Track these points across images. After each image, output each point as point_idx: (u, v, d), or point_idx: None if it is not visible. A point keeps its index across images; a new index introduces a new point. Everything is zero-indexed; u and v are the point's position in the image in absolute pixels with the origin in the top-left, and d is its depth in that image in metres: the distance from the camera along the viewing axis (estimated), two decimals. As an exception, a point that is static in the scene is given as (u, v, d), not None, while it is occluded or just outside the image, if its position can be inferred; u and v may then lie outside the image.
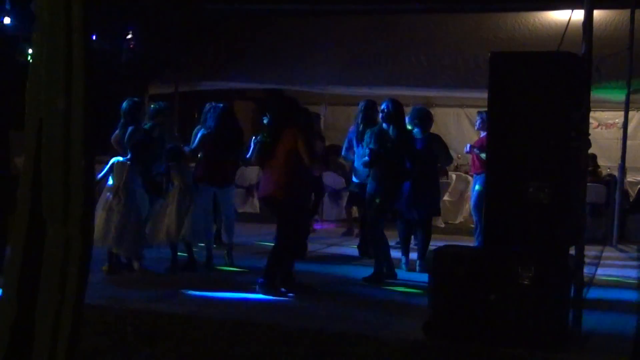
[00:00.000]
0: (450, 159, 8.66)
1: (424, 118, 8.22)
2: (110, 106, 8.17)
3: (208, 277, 7.53)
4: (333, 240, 10.34)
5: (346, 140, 8.90)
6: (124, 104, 8.06)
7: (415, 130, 8.12)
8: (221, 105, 8.33)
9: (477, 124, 9.21)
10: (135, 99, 8.30)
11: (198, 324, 5.70)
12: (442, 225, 11.27)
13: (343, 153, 9.02)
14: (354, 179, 8.77)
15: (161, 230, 7.64)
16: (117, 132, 8.11)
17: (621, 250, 9.86)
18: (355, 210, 10.99)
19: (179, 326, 5.63)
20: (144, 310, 6.06)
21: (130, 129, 7.90)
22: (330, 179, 11.82)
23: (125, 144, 7.79)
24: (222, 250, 8.32)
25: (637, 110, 12.86)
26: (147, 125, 8.24)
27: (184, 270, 7.69)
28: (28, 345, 3.00)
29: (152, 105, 8.80)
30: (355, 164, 8.57)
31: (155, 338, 5.28)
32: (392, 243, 9.27)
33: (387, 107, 7.58)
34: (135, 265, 7.53)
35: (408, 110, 8.31)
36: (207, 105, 8.57)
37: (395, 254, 8.06)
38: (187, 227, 7.63)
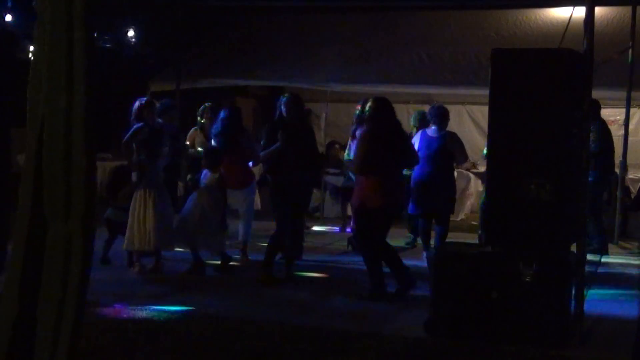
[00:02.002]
0: (465, 157, 8.66)
1: (440, 116, 8.25)
2: (112, 103, 8.16)
3: (209, 275, 7.54)
4: (331, 238, 10.33)
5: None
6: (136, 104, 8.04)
7: (433, 128, 8.18)
8: (228, 109, 8.38)
9: None
10: (144, 98, 8.25)
11: (199, 321, 5.71)
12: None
13: (348, 157, 9.05)
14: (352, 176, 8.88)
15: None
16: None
17: (622, 247, 9.85)
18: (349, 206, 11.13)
19: (181, 323, 5.64)
20: (145, 307, 6.07)
21: (136, 126, 7.84)
22: (331, 176, 11.81)
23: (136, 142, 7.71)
24: None
25: (639, 108, 12.83)
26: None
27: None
28: (30, 342, 3.00)
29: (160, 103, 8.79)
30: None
31: (157, 335, 5.29)
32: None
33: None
34: (159, 265, 7.54)
35: (416, 108, 8.34)
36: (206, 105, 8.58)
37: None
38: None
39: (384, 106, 6.79)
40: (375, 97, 6.98)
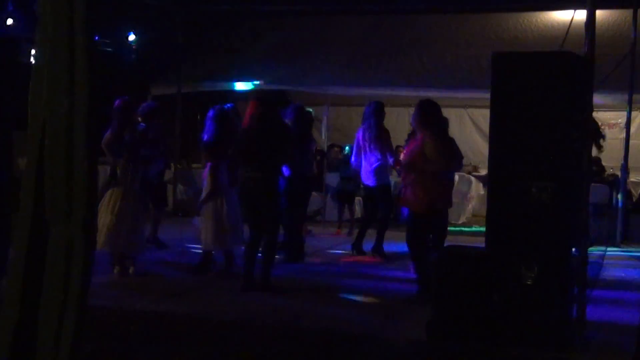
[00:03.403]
0: (460, 164, 8.64)
1: None
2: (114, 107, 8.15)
3: (210, 279, 7.53)
4: (331, 241, 10.35)
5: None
6: (115, 103, 8.02)
7: None
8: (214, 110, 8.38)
9: None
10: (126, 97, 8.23)
11: (201, 324, 5.71)
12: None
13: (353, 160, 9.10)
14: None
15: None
16: (107, 133, 8.00)
17: (624, 251, 9.85)
18: (346, 209, 11.29)
19: (182, 327, 5.64)
20: (147, 311, 6.07)
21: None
22: (332, 179, 11.82)
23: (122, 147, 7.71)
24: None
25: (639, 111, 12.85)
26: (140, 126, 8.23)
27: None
28: (31, 347, 3.00)
29: (143, 105, 8.79)
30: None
31: (157, 338, 5.29)
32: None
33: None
34: (131, 269, 7.49)
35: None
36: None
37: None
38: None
39: (433, 107, 6.95)
40: (422, 101, 7.09)
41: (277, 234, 7.14)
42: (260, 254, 6.98)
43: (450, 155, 6.88)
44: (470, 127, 14.16)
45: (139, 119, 8.26)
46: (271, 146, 6.91)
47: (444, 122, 7.29)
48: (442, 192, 6.88)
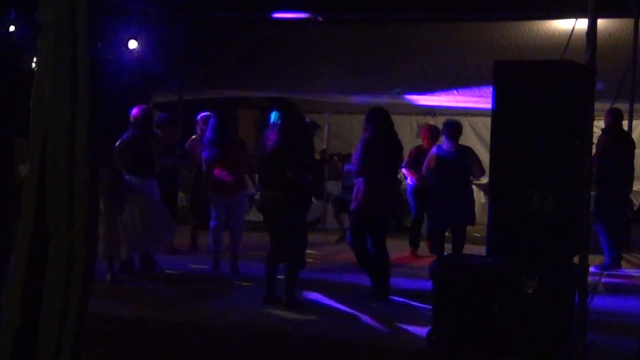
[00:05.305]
0: (482, 170, 8.65)
1: (452, 130, 8.32)
2: (115, 115, 8.17)
3: (211, 286, 7.53)
4: (331, 249, 10.34)
5: None
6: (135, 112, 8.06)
7: (448, 142, 8.27)
8: (216, 115, 8.44)
9: None
10: (145, 106, 8.30)
11: (201, 332, 5.70)
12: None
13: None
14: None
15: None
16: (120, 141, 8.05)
17: (625, 260, 9.83)
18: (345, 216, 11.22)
19: (182, 334, 5.63)
20: (147, 318, 6.06)
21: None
22: (333, 186, 11.81)
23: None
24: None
25: (641, 119, 12.84)
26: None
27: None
28: (31, 354, 3.00)
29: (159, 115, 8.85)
30: None
31: (158, 346, 5.28)
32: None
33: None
34: (108, 276, 7.44)
35: (417, 119, 8.35)
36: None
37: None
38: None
39: (378, 115, 7.07)
40: (372, 107, 7.30)
41: (300, 247, 6.82)
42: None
43: (370, 163, 6.95)
44: (471, 135, 14.13)
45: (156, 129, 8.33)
46: (295, 162, 6.58)
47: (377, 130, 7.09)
48: (375, 197, 6.91)
